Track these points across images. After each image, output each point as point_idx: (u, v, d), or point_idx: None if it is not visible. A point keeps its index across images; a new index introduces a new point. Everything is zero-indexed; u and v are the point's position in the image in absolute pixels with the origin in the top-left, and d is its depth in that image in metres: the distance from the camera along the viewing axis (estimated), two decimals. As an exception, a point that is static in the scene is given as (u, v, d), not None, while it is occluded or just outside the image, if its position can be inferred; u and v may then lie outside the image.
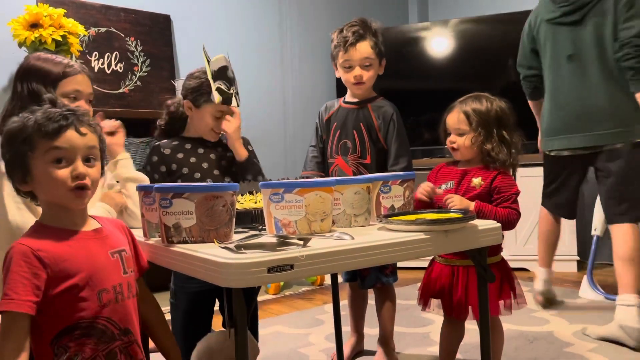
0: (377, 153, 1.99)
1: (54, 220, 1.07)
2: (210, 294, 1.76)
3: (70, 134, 1.05)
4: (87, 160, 1.07)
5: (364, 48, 1.93)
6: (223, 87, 1.71)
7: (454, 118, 1.70)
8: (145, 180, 1.58)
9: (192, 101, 1.77)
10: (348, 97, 2.07)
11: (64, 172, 1.04)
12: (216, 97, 1.70)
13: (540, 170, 3.54)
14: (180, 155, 1.76)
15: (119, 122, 1.64)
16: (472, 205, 1.56)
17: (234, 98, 1.74)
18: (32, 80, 1.43)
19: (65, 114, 1.05)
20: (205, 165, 1.77)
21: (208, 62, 1.71)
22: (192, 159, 1.77)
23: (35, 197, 1.10)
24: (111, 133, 1.59)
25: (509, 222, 1.60)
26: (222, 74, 1.71)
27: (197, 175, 1.75)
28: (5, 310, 0.95)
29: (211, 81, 1.70)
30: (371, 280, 2.02)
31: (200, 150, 1.79)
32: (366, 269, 1.95)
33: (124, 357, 1.07)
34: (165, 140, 1.81)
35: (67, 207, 1.07)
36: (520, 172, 3.42)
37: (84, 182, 1.05)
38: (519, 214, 1.62)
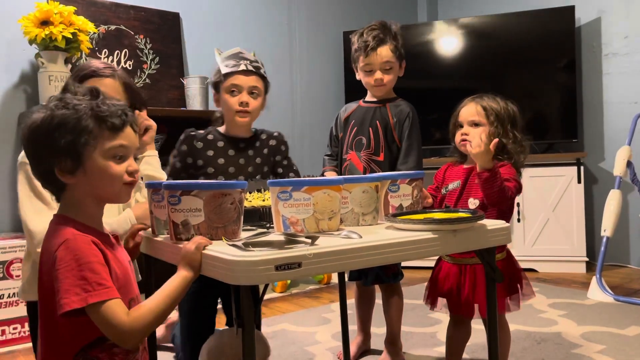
0: (391, 151, 1.99)
1: (83, 217, 1.02)
2: (211, 292, 1.74)
3: (129, 131, 1.04)
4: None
5: (385, 52, 1.96)
6: (231, 61, 1.69)
7: (471, 110, 1.70)
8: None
9: (214, 88, 1.74)
10: (368, 97, 2.09)
11: (121, 168, 1.03)
12: (223, 69, 1.69)
13: (546, 170, 3.54)
14: (210, 153, 1.72)
15: (151, 120, 1.66)
16: (491, 163, 1.53)
17: (244, 66, 1.68)
18: (70, 77, 1.51)
19: (124, 110, 1.03)
20: (231, 169, 1.72)
21: (219, 53, 1.72)
22: (220, 160, 1.71)
23: (60, 190, 1.03)
24: (145, 130, 1.62)
25: (504, 197, 1.55)
26: (234, 55, 1.70)
27: (221, 178, 1.71)
28: (108, 299, 0.92)
29: (219, 61, 1.70)
30: (372, 277, 2.03)
31: (231, 152, 1.73)
32: (370, 266, 1.96)
33: None
34: (201, 131, 1.74)
35: (113, 202, 1.07)
36: (529, 172, 3.43)
37: (136, 178, 1.06)
38: (513, 193, 1.58)
